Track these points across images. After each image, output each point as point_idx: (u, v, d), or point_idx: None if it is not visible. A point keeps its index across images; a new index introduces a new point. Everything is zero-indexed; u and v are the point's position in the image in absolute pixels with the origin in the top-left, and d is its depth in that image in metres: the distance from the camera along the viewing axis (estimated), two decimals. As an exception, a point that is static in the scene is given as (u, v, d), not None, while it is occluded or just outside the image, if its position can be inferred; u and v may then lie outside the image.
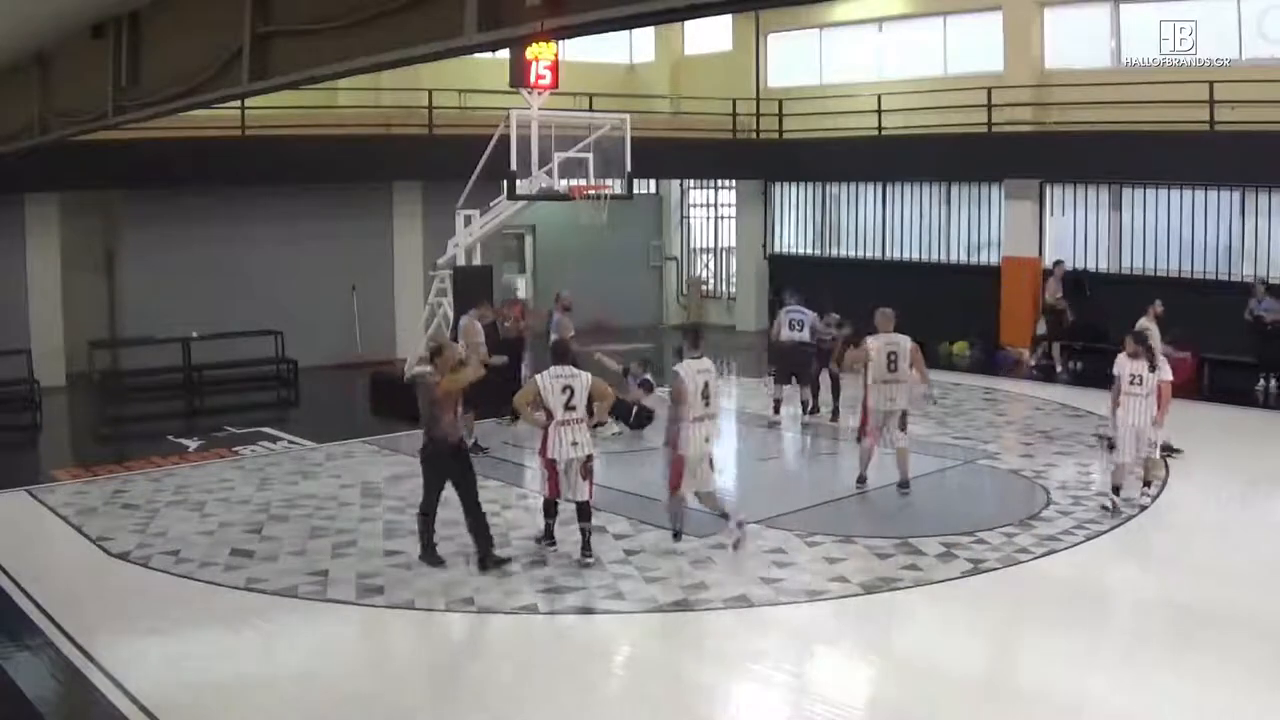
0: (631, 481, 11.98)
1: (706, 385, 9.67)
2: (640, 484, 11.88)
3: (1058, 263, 18.93)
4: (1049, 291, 18.75)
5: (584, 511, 9.46)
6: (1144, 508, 10.67)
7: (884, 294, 20.55)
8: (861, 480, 11.58)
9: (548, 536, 9.74)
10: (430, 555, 9.39)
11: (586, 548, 9.39)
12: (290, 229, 19.17)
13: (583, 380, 9.52)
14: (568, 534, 10.23)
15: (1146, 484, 10.93)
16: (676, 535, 9.87)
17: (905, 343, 11.61)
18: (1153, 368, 10.60)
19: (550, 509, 9.69)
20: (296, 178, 18.57)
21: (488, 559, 9.27)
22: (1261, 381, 16.55)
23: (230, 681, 7.48)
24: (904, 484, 11.35)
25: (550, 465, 9.44)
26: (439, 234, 17.20)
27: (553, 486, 9.52)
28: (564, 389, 9.38)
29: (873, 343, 11.53)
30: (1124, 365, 10.73)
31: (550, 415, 9.36)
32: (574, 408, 9.37)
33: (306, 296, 19.05)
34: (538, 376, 9.66)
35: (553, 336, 13.94)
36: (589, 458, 9.45)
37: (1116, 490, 10.74)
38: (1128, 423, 10.65)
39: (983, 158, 19.97)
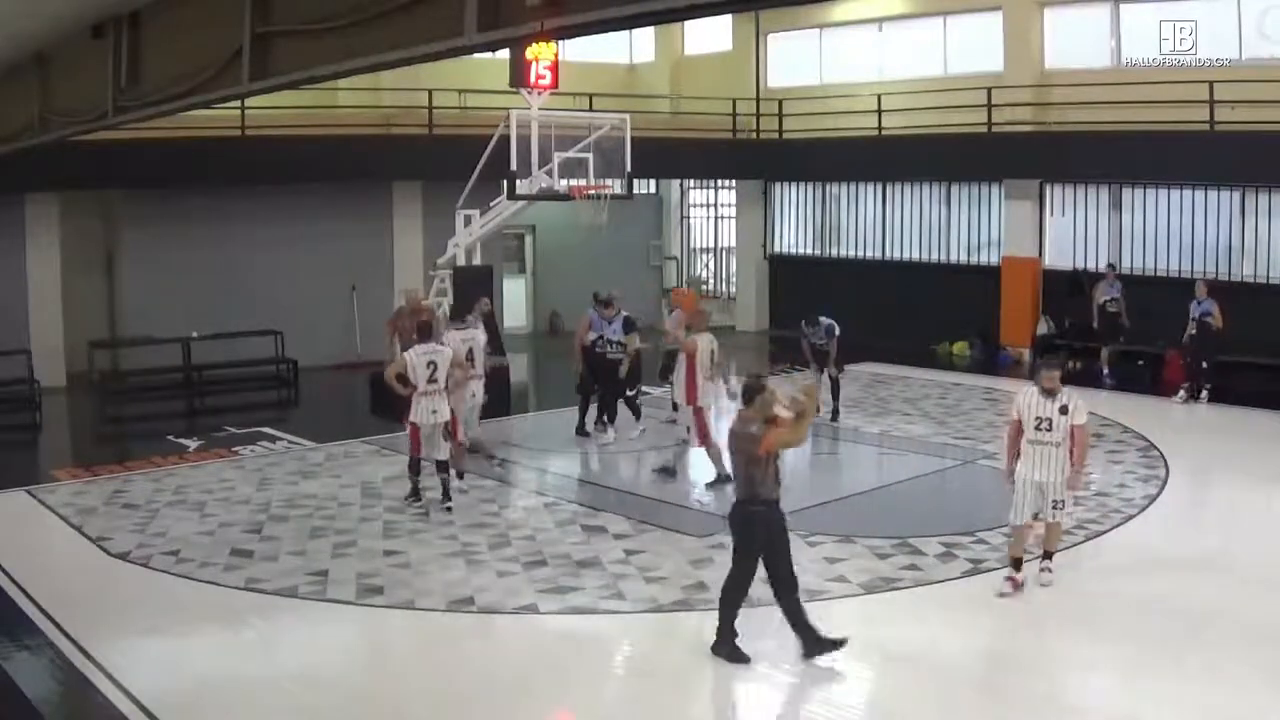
0: (632, 482, 12.00)
1: (471, 350, 11.58)
2: (640, 485, 11.90)
3: (1110, 266, 18.22)
4: (1099, 293, 17.70)
5: (442, 465, 10.98)
6: (1044, 586, 8.68)
7: (884, 294, 20.89)
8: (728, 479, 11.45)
9: (414, 494, 11.08)
10: (735, 651, 7.53)
11: (446, 495, 10.93)
12: (290, 229, 19.16)
13: (444, 355, 10.98)
14: (565, 534, 10.29)
15: (1047, 555, 8.82)
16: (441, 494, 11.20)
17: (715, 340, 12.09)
18: (1064, 409, 8.42)
19: (415, 466, 11.08)
20: (296, 178, 18.55)
21: (817, 644, 7.49)
22: (1189, 392, 15.79)
23: (230, 681, 7.48)
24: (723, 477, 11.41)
25: (414, 429, 10.88)
26: (439, 234, 17.21)
27: (415, 447, 10.98)
28: (428, 364, 10.81)
29: (701, 340, 11.76)
30: (1028, 404, 8.51)
31: (414, 386, 10.77)
32: (435, 380, 10.81)
33: (306, 296, 19.05)
34: (409, 353, 10.96)
35: (592, 336, 13.96)
36: (448, 422, 10.95)
37: (1016, 564, 8.67)
38: (1029, 478, 8.50)
39: (983, 158, 19.95)
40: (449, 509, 10.84)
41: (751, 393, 7.50)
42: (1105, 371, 17.57)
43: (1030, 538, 8.81)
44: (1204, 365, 15.69)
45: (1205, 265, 17.92)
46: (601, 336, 13.88)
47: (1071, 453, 8.49)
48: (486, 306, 13.21)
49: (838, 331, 14.79)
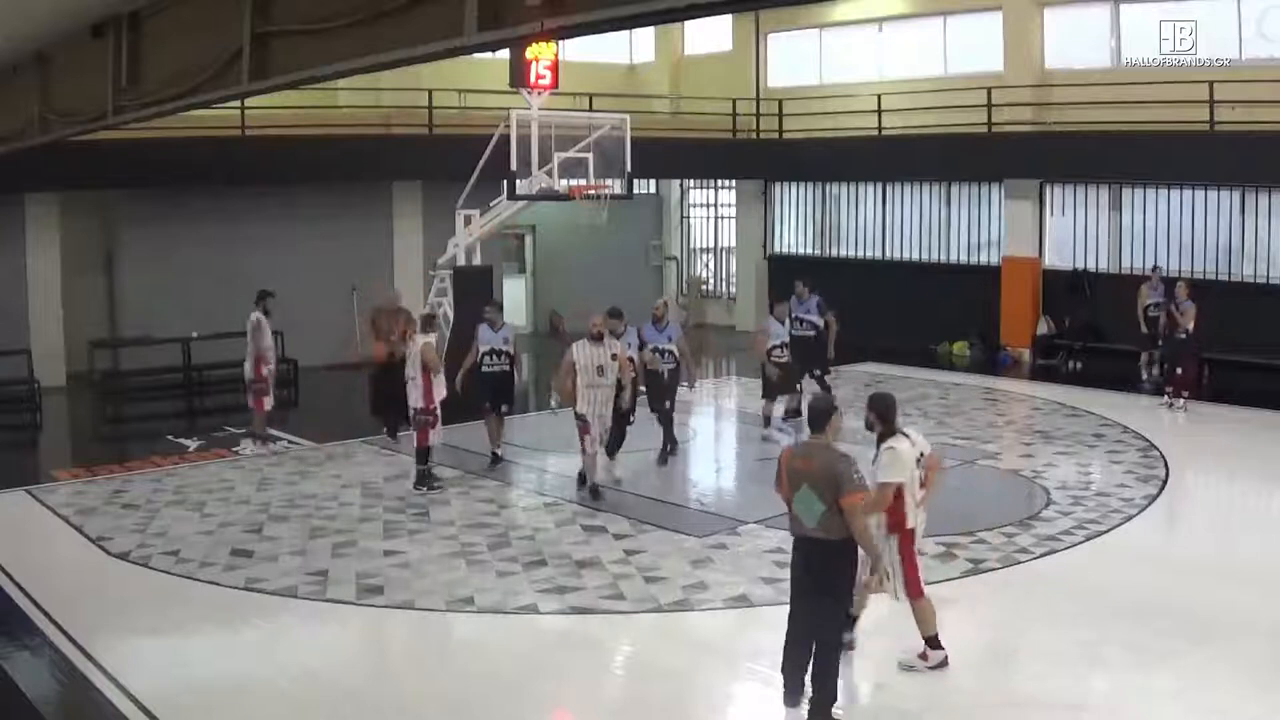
0: (632, 482, 11.99)
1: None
2: (640, 484, 11.90)
3: (1155, 268, 17.62)
4: (1144, 297, 16.90)
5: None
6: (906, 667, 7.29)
7: (884, 294, 20.89)
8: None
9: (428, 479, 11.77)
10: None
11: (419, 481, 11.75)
12: (290, 229, 19.15)
13: (411, 351, 11.77)
14: (565, 534, 10.30)
15: (927, 643, 7.25)
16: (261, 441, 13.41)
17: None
18: (876, 458, 7.16)
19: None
20: (296, 177, 18.55)
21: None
22: (1171, 399, 15.46)
23: (230, 681, 7.49)
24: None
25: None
26: (439, 234, 17.21)
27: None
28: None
29: (582, 349, 11.42)
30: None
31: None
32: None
33: (306, 296, 19.02)
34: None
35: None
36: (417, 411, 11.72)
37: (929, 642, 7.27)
38: None
39: (983, 158, 19.96)
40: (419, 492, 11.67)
41: (825, 417, 6.68)
42: (1146, 376, 16.99)
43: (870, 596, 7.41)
44: (1177, 371, 15.46)
45: (1205, 265, 17.92)
46: (656, 348, 12.76)
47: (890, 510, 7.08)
48: (489, 313, 12.85)
49: (831, 315, 14.28)
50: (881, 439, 7.18)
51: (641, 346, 12.59)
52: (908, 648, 7.30)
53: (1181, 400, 15.34)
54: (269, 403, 13.67)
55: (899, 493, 7.05)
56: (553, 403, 12.09)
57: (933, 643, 7.26)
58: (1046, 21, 19.92)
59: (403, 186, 20.31)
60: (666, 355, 12.76)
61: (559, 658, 7.92)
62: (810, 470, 6.52)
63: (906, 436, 7.22)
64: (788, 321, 14.07)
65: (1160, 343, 15.87)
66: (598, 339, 11.44)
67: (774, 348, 13.51)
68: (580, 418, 11.30)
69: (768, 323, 13.84)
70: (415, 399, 11.78)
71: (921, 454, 7.22)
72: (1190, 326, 15.15)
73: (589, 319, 11.64)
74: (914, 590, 7.18)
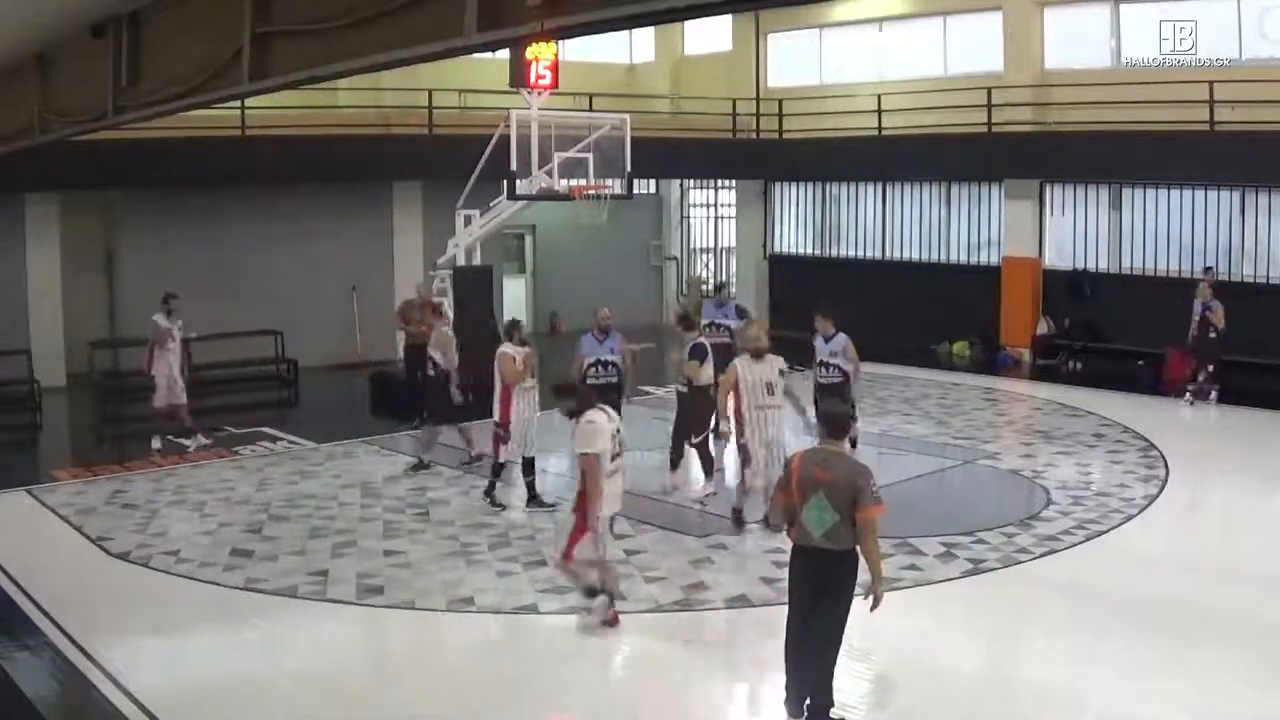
0: (632, 482, 11.97)
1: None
2: (640, 485, 11.89)
3: (1208, 269, 17.04)
4: (1202, 295, 15.71)
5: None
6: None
7: (884, 294, 20.90)
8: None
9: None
10: None
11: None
12: (290, 229, 19.16)
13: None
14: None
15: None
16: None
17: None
18: None
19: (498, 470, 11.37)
20: (296, 177, 18.56)
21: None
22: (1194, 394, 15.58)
23: (230, 681, 7.49)
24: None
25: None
26: (439, 234, 17.22)
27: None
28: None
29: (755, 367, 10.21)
30: None
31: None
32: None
33: (306, 296, 19.05)
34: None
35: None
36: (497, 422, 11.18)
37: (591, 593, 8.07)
38: None
39: (983, 158, 19.96)
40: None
41: (846, 423, 6.71)
42: (1198, 379, 16.14)
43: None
44: (1209, 368, 15.54)
45: (1205, 265, 17.89)
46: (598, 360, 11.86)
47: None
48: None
49: (748, 316, 13.76)
50: (577, 415, 7.80)
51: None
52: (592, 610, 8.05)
53: (1188, 395, 15.41)
54: (158, 400, 13.54)
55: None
56: (723, 428, 10.50)
57: (591, 593, 8.02)
58: (1046, 21, 19.91)
59: (403, 186, 20.31)
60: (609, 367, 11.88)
61: (559, 658, 7.91)
62: (828, 479, 6.32)
63: (604, 411, 7.86)
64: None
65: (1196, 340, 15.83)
66: (758, 356, 10.11)
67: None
68: (740, 448, 10.22)
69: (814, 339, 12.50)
70: (495, 411, 11.18)
71: (618, 429, 7.85)
72: (1221, 324, 15.30)
73: (745, 333, 10.35)
74: (567, 556, 7.90)
